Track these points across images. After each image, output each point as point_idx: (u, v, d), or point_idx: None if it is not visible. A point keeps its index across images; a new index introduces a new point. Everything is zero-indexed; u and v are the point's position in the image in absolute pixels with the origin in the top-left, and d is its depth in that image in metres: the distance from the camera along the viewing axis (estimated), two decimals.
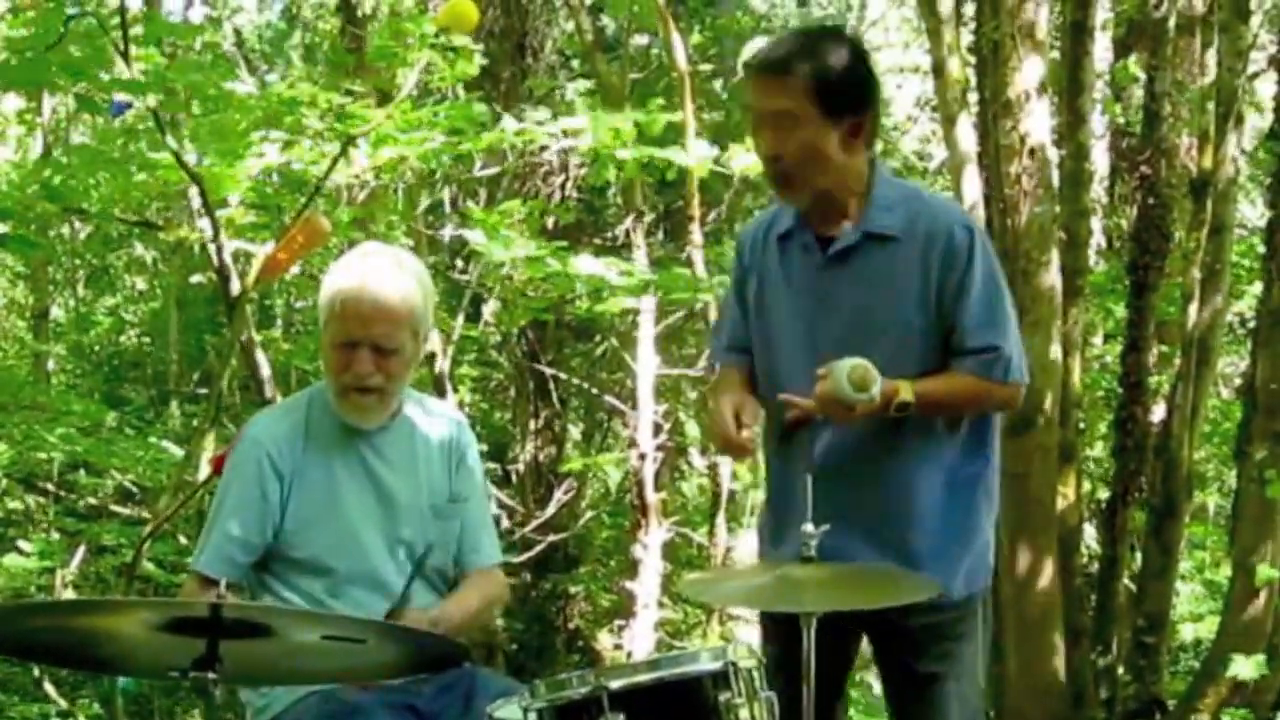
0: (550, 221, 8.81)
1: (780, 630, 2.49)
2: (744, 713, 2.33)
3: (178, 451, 6.35)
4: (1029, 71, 6.18)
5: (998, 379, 2.78)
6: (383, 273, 2.79)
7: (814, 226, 2.85)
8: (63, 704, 7.33)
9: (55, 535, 7.76)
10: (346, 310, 2.77)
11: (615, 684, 2.29)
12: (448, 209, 8.53)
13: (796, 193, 2.80)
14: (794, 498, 2.73)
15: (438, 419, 3.03)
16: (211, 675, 2.00)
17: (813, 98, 2.72)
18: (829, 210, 2.83)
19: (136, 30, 4.58)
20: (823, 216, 2.84)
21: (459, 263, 8.23)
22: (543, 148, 6.97)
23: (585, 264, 5.77)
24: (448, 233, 7.70)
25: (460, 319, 7.57)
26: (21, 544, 7.22)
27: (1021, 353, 2.84)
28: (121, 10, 4.64)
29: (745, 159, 6.27)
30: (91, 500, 8.09)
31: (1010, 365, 2.80)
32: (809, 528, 2.51)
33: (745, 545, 8.50)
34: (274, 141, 4.95)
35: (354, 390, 2.81)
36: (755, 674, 2.39)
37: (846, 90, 2.77)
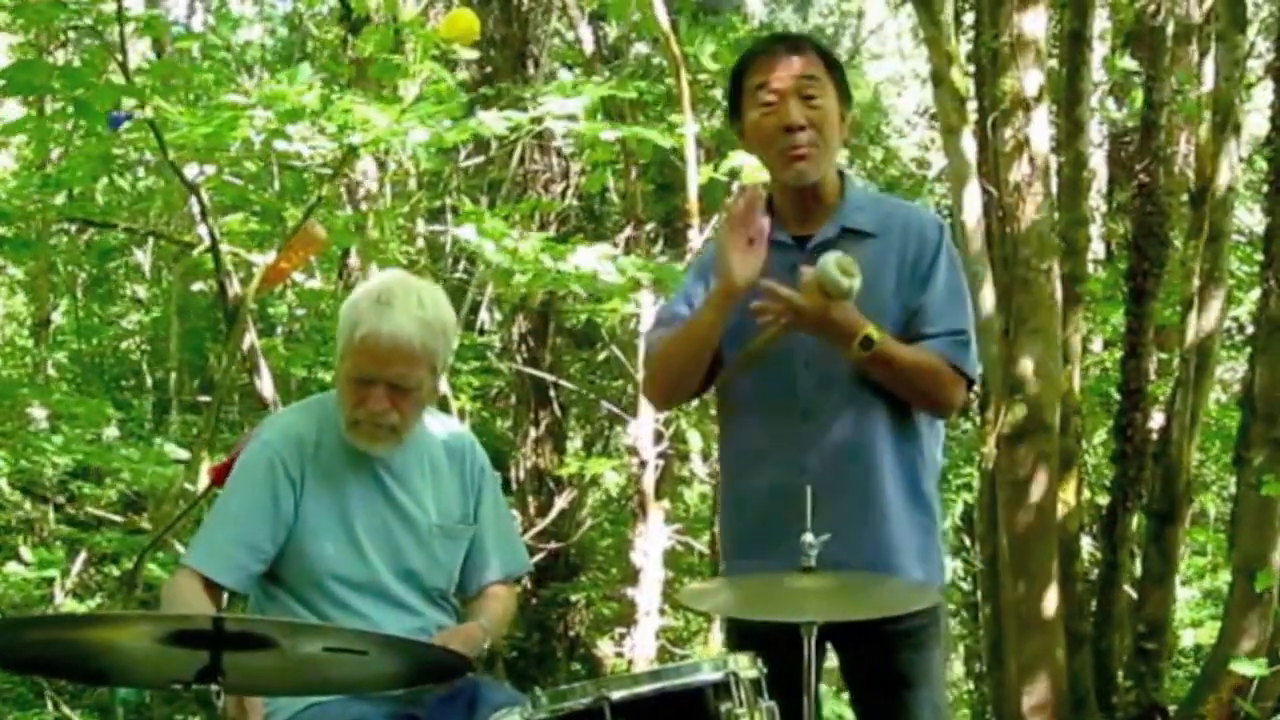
0: (552, 229, 8.83)
1: (757, 645, 2.49)
2: None
3: (182, 454, 6.34)
4: (1028, 79, 6.20)
5: (958, 361, 2.81)
6: (403, 310, 2.76)
7: (788, 226, 2.89)
8: (65, 710, 7.32)
9: (56, 544, 7.76)
10: (365, 347, 2.75)
11: (617, 694, 2.28)
12: (449, 217, 8.55)
13: (813, 167, 2.82)
14: (772, 508, 2.79)
15: (451, 439, 3.02)
16: (215, 687, 2.01)
17: (829, 72, 2.84)
18: (807, 208, 2.88)
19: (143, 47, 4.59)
20: (799, 214, 2.88)
21: (459, 264, 8.24)
22: (539, 144, 6.98)
23: (581, 257, 5.75)
24: (437, 228, 7.70)
25: (460, 325, 7.58)
26: (23, 552, 7.21)
27: (976, 354, 2.89)
28: (119, 18, 4.66)
29: (746, 158, 6.30)
30: (94, 510, 8.09)
31: (971, 354, 2.84)
32: (809, 537, 2.52)
33: None
34: (261, 128, 4.91)
35: (367, 424, 2.80)
36: (757, 684, 2.40)
37: (844, 75, 2.91)
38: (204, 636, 1.99)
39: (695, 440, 9.21)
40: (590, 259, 5.72)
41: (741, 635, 2.84)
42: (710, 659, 2.47)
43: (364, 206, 6.92)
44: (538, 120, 5.42)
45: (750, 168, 6.36)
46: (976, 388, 3.03)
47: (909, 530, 2.86)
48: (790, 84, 2.80)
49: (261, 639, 2.02)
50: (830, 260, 2.68)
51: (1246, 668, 6.03)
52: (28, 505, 8.54)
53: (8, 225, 5.07)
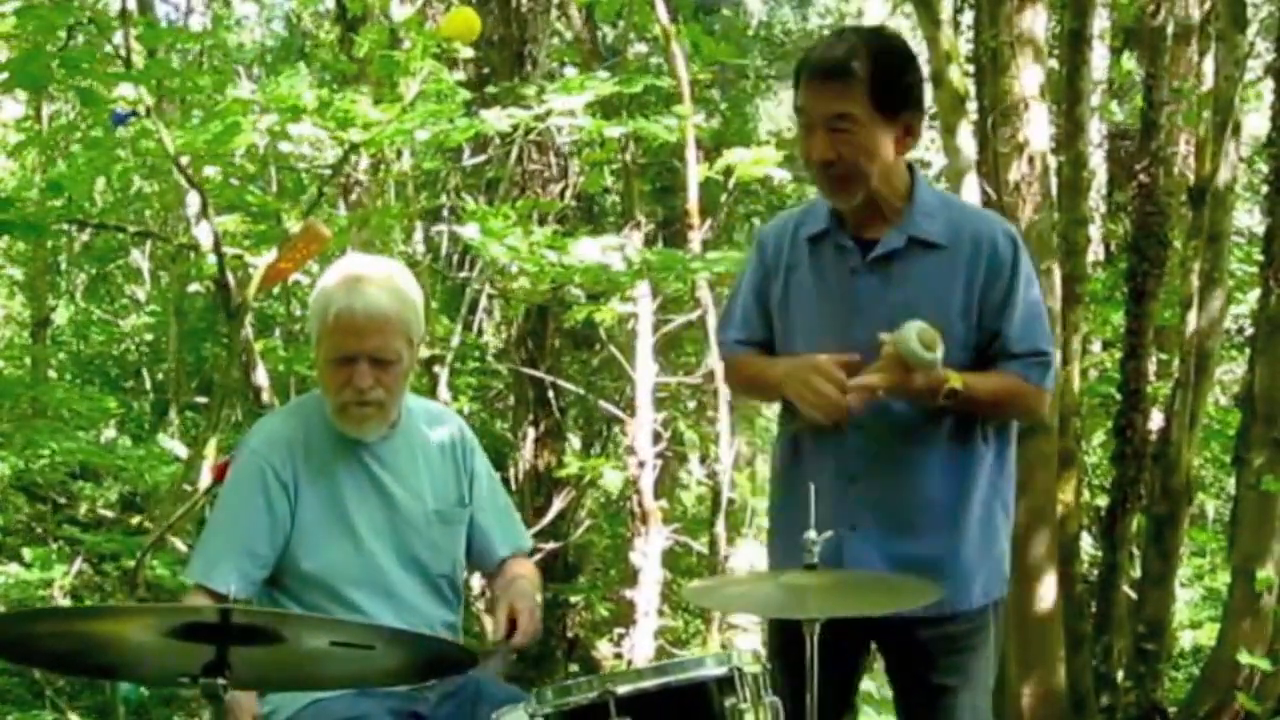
0: (549, 229, 8.82)
1: (786, 641, 2.49)
2: (749, 717, 2.34)
3: (181, 450, 6.33)
4: (1028, 79, 6.20)
5: (1037, 383, 2.79)
6: (372, 284, 2.79)
7: (851, 229, 2.82)
8: (63, 706, 7.31)
9: (56, 545, 7.75)
10: (340, 325, 2.76)
11: (622, 689, 2.29)
12: (446, 215, 8.55)
13: (849, 196, 2.76)
14: (818, 502, 2.74)
15: (439, 423, 3.04)
16: (221, 681, 2.00)
17: (872, 99, 2.69)
18: (871, 213, 2.80)
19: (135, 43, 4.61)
20: (863, 219, 2.80)
21: (457, 262, 8.24)
22: (537, 143, 6.95)
23: (583, 248, 5.74)
24: (445, 228, 7.71)
25: (460, 326, 7.58)
26: (24, 552, 7.21)
27: (1055, 363, 2.86)
28: (123, 14, 4.67)
29: (742, 155, 6.31)
30: (92, 511, 8.08)
31: (1051, 372, 2.82)
32: (811, 534, 2.52)
33: (745, 554, 8.50)
34: (264, 132, 4.91)
35: (354, 405, 2.80)
36: (760, 679, 2.40)
37: (902, 90, 2.75)
38: (210, 630, 1.99)
39: (693, 440, 9.22)
40: (594, 251, 5.71)
41: (784, 636, 2.79)
42: (714, 654, 2.47)
43: (359, 206, 6.93)
44: (540, 118, 5.42)
45: (745, 164, 6.37)
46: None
47: (961, 539, 2.81)
48: (819, 118, 2.71)
49: (268, 632, 2.02)
50: (912, 333, 2.62)
51: (1251, 660, 6.05)
52: (25, 506, 8.53)
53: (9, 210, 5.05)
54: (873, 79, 2.69)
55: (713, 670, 2.36)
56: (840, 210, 2.83)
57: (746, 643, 8.01)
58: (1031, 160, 6.21)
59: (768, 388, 2.92)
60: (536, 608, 2.87)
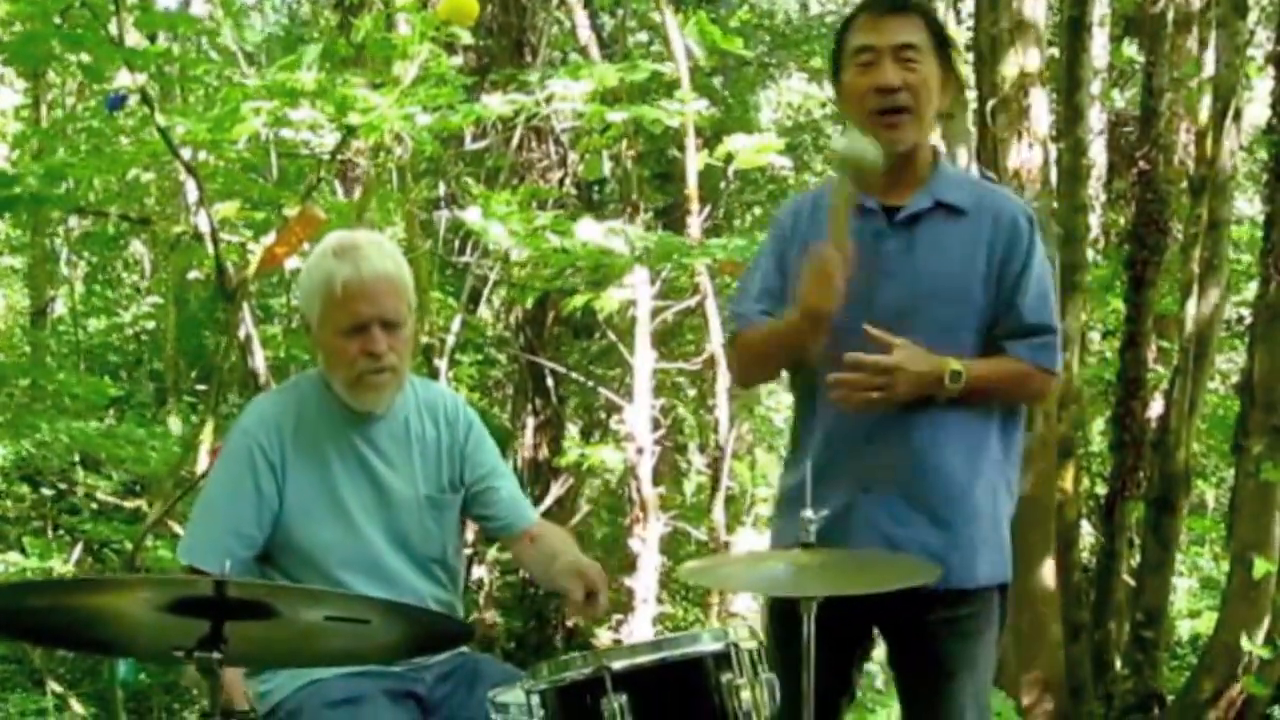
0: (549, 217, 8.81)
1: (784, 624, 2.47)
2: (745, 693, 2.33)
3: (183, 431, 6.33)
4: (1027, 65, 6.19)
5: (1043, 364, 2.82)
6: (370, 251, 2.79)
7: (875, 191, 2.82)
8: (64, 696, 7.32)
9: (57, 533, 7.76)
10: (350, 293, 2.75)
11: (617, 664, 2.28)
12: (445, 205, 8.54)
13: (903, 133, 2.79)
14: (831, 463, 2.76)
15: (434, 404, 3.01)
16: (216, 655, 1.99)
17: (931, 37, 2.82)
18: (899, 175, 2.81)
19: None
20: (889, 181, 2.80)
21: (458, 249, 8.24)
22: (536, 131, 6.94)
23: (585, 230, 5.72)
24: (444, 215, 7.70)
25: (461, 314, 7.58)
26: (24, 540, 7.22)
27: (1061, 345, 2.90)
28: (117, 2, 4.67)
29: (742, 142, 6.29)
30: (93, 502, 8.07)
31: (1056, 352, 2.85)
32: (808, 513, 2.52)
33: (744, 542, 8.51)
34: (263, 114, 4.90)
35: (371, 373, 2.79)
36: (757, 655, 2.40)
37: (949, 45, 2.89)
38: (205, 604, 1.98)
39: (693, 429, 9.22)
40: (595, 233, 5.70)
41: (783, 620, 2.77)
42: (710, 629, 2.46)
43: (358, 191, 6.93)
44: (541, 103, 5.41)
45: (746, 151, 6.35)
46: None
47: (968, 514, 2.78)
48: (888, 45, 2.77)
49: (263, 607, 2.01)
50: (844, 139, 2.74)
51: (1253, 648, 6.05)
52: (26, 491, 8.54)
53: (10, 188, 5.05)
54: (927, 20, 2.86)
55: (709, 645, 2.35)
56: (900, 148, 2.84)
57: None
58: (1031, 147, 6.21)
59: (783, 334, 2.85)
60: (592, 564, 2.88)
